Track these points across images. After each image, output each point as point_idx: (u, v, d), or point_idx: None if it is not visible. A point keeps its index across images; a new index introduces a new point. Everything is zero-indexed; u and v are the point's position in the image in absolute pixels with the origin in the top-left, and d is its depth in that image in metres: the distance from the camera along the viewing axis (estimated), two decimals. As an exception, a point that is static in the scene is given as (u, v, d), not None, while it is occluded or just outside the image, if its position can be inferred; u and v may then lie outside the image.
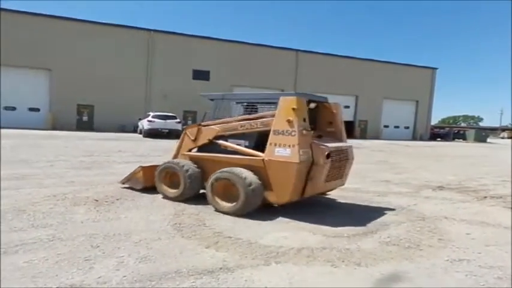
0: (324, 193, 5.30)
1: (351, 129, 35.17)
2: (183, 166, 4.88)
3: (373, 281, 2.69)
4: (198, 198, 4.84)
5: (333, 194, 5.75)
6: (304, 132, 4.16)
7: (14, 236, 3.26)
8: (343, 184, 5.17)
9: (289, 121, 4.16)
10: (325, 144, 4.39)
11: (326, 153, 4.21)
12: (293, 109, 4.15)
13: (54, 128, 23.42)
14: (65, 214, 4.05)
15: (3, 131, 17.37)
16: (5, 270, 2.57)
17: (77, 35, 25.46)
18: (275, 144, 4.25)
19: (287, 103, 4.21)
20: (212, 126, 4.99)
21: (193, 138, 5.19)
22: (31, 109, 25.00)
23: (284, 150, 4.16)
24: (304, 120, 4.24)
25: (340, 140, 4.96)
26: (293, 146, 4.11)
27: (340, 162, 4.66)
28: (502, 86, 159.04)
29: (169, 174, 5.07)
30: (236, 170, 4.39)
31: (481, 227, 4.37)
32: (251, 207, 4.28)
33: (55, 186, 5.50)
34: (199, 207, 4.55)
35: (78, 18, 25.75)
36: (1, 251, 2.91)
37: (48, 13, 25.29)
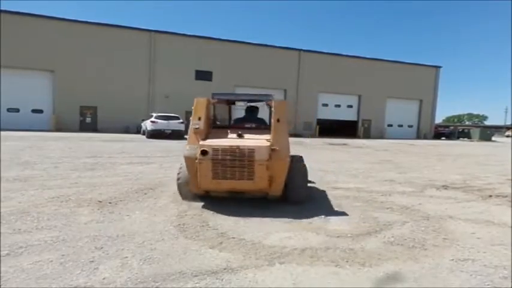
0: (236, 192, 4.58)
1: (354, 129, 35.10)
2: None
3: (377, 281, 2.67)
4: (201, 199, 4.85)
5: (335, 194, 5.73)
6: (192, 129, 4.59)
7: (19, 237, 3.28)
8: (259, 187, 4.43)
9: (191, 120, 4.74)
10: (209, 141, 4.48)
11: (200, 149, 4.35)
12: (192, 109, 4.67)
13: (57, 130, 23.55)
14: (68, 216, 4.06)
15: (6, 133, 17.49)
16: (10, 272, 2.58)
17: (80, 37, 25.60)
18: None
19: None
20: None
21: None
22: (34, 111, 25.14)
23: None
24: (200, 118, 4.63)
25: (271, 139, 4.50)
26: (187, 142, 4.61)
27: (234, 161, 4.26)
28: (507, 84, 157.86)
29: None
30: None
31: (486, 226, 4.33)
32: (186, 194, 4.84)
33: (59, 188, 5.52)
34: (202, 208, 4.55)
35: (81, 19, 25.89)
36: (5, 252, 2.92)
37: (50, 14, 25.44)
